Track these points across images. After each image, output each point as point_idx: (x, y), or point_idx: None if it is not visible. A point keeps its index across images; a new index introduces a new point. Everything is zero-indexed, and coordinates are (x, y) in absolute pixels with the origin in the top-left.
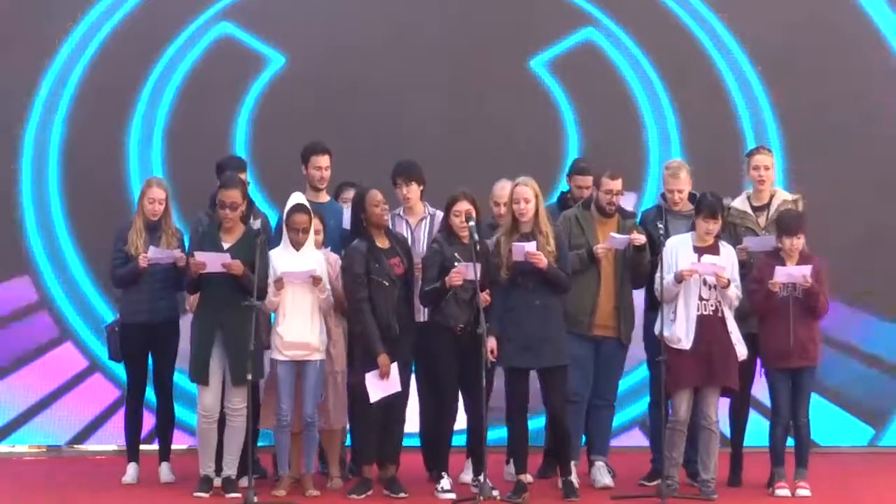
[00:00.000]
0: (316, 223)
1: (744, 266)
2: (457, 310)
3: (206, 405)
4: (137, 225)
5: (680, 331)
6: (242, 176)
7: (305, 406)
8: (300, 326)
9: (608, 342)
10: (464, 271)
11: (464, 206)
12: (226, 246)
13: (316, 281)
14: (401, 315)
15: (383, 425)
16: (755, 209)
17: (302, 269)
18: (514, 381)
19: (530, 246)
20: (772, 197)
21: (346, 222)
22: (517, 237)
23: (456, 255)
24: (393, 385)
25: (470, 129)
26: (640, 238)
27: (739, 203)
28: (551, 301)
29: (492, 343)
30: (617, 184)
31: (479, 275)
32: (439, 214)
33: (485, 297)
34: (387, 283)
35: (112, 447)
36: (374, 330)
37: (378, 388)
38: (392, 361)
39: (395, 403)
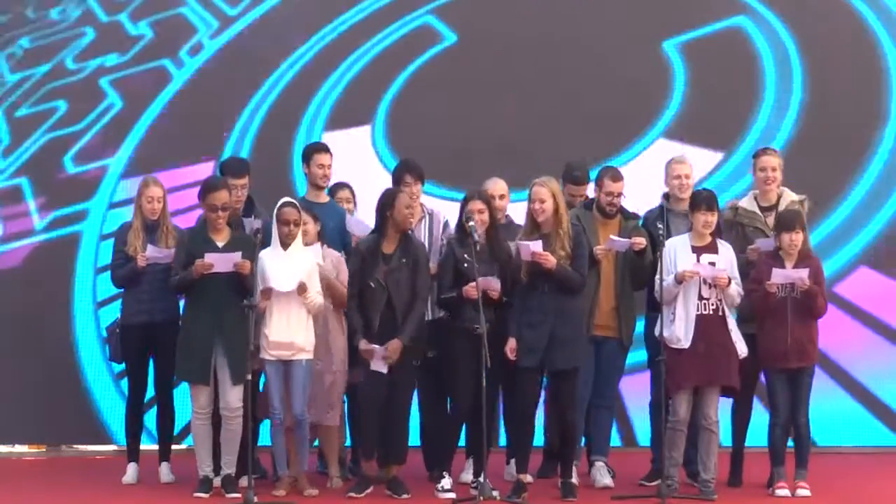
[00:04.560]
0: (306, 217)
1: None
2: (473, 311)
3: (202, 403)
4: (135, 225)
5: (679, 331)
6: (244, 179)
7: (294, 405)
8: (285, 326)
9: (608, 343)
10: (482, 284)
11: (476, 205)
12: (220, 246)
13: (301, 290)
14: (386, 318)
15: (385, 425)
16: (763, 209)
17: (289, 282)
18: (522, 382)
19: (536, 245)
20: (779, 197)
21: (348, 223)
22: (535, 237)
23: (466, 255)
24: (379, 366)
25: None
26: (640, 242)
27: (747, 203)
28: (568, 304)
29: (512, 343)
30: (618, 186)
31: (493, 283)
32: (437, 213)
33: (470, 289)
34: (373, 285)
35: (112, 447)
36: (356, 323)
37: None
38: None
39: (397, 403)
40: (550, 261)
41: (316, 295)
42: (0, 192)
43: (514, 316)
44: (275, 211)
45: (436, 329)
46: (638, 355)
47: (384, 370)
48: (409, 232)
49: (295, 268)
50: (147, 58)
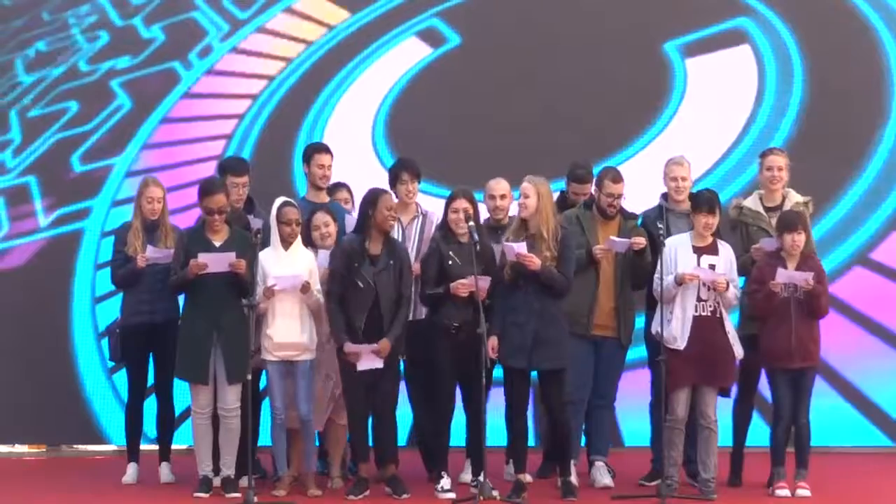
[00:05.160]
0: (327, 219)
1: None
2: (453, 309)
3: (202, 403)
4: (135, 226)
5: (676, 331)
6: (244, 178)
7: (300, 405)
8: (289, 327)
9: (607, 342)
10: (470, 284)
11: (462, 204)
12: (217, 245)
13: (304, 288)
14: (373, 318)
15: (374, 426)
16: (768, 210)
17: (293, 275)
18: (512, 381)
19: (520, 247)
20: (784, 198)
21: (347, 224)
22: (523, 237)
23: (451, 253)
24: (373, 361)
25: None
26: (640, 242)
27: (751, 203)
28: (551, 304)
29: (493, 342)
30: (619, 187)
31: (483, 283)
32: (430, 214)
33: (459, 286)
34: (361, 285)
35: (112, 447)
36: (339, 322)
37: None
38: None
39: (383, 404)
40: (535, 262)
41: (317, 293)
42: (8, 190)
43: (497, 315)
44: (274, 211)
45: (416, 329)
46: (634, 352)
47: (379, 365)
48: (403, 232)
49: (296, 267)
50: (157, 60)
